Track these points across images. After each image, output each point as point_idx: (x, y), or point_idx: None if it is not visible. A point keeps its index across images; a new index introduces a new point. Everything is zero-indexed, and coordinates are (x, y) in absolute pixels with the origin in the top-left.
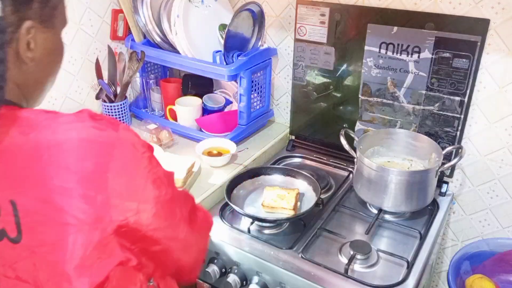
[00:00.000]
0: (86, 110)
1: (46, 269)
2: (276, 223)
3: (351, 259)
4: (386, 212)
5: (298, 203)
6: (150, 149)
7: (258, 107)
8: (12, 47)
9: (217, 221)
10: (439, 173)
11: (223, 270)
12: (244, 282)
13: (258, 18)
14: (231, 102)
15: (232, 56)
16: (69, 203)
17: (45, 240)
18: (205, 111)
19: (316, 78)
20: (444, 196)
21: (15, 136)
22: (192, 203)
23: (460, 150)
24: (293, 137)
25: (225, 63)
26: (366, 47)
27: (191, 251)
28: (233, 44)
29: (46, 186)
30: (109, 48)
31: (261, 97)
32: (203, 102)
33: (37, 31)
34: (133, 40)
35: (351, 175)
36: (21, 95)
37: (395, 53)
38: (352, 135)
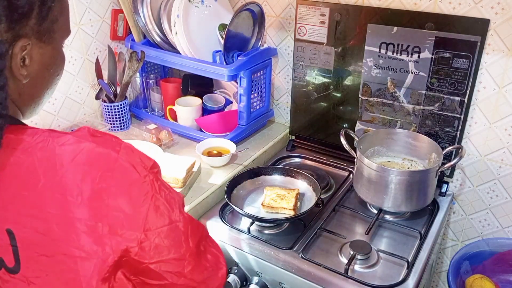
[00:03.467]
0: (85, 128)
1: None
2: (276, 223)
3: (351, 259)
4: (386, 212)
5: (298, 203)
6: (154, 170)
7: (258, 107)
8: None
9: (217, 221)
10: (439, 173)
11: None
12: (244, 282)
13: (258, 18)
14: (231, 102)
15: (232, 56)
16: (68, 233)
17: (44, 271)
18: (205, 111)
19: (316, 78)
20: (444, 196)
21: (10, 161)
22: (202, 233)
23: (460, 150)
24: (293, 137)
25: (225, 63)
26: (366, 47)
27: None
28: (233, 44)
29: (44, 216)
30: (109, 48)
31: (261, 97)
32: (203, 102)
33: (33, 47)
34: (133, 40)
35: (351, 175)
36: (16, 109)
37: (395, 53)
38: (352, 135)
